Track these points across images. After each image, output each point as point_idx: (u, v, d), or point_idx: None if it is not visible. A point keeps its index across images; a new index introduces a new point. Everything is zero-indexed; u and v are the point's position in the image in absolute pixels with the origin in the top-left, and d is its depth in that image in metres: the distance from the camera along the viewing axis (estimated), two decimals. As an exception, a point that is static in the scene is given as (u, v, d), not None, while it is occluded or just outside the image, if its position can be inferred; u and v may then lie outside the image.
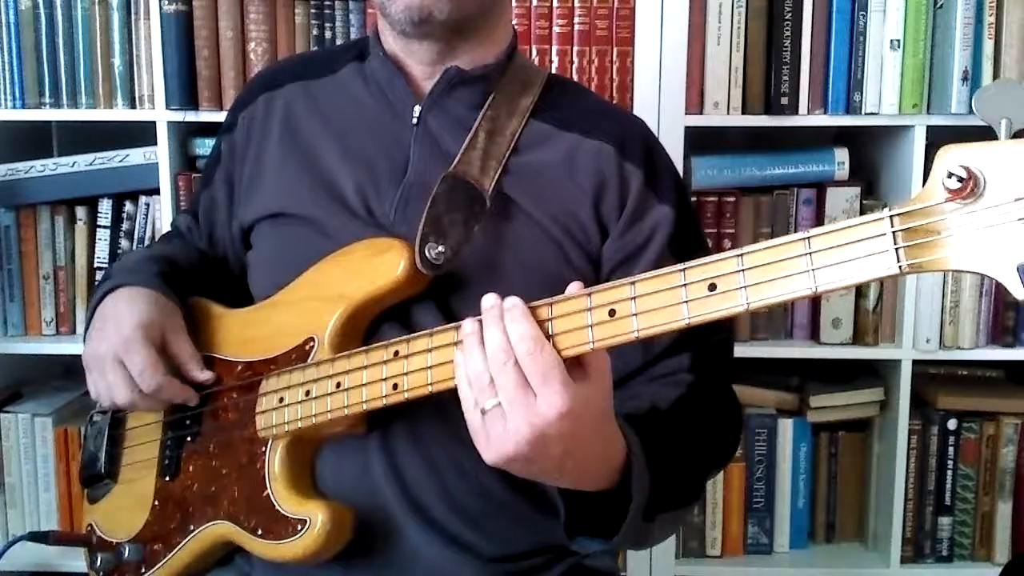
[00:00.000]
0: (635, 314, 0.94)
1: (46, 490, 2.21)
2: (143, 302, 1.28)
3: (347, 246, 1.24)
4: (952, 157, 0.79)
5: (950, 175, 0.77)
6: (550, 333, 0.98)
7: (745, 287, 0.89)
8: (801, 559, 2.20)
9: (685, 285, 0.92)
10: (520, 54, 1.37)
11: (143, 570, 1.33)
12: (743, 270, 0.89)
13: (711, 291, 0.91)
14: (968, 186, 0.77)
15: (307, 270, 1.27)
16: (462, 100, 1.30)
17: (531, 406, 0.95)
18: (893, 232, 0.81)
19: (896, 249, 0.81)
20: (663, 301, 0.93)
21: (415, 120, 1.30)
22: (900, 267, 0.81)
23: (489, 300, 1.01)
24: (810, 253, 0.85)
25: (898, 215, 0.81)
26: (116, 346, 1.25)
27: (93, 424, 1.42)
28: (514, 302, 1.00)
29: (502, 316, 0.99)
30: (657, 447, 1.10)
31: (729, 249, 1.97)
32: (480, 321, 1.01)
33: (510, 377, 0.96)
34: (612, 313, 0.96)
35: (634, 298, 0.95)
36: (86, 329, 1.33)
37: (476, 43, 1.30)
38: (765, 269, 0.88)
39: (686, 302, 0.92)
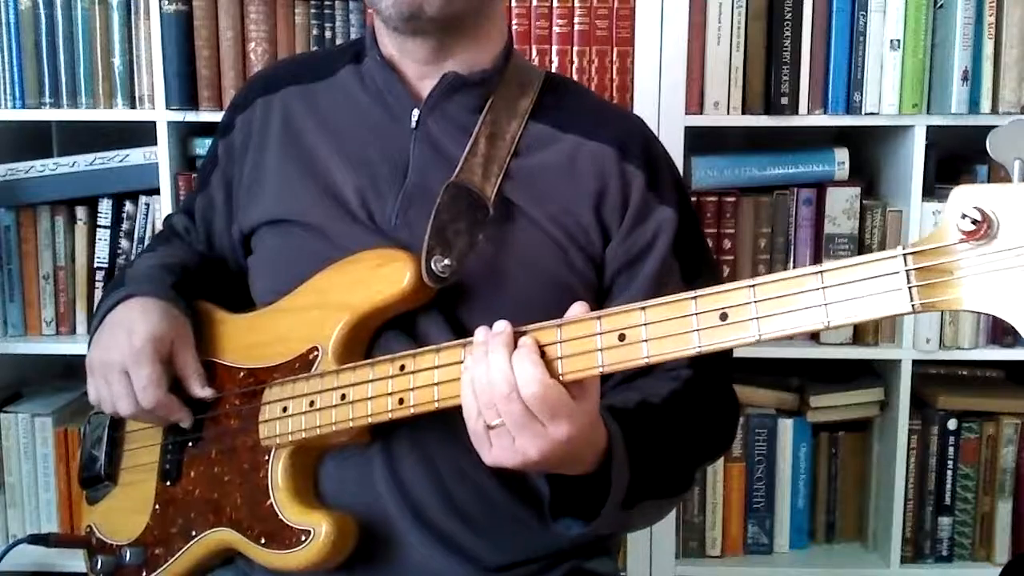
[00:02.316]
0: (646, 340, 0.95)
1: (46, 490, 2.21)
2: (156, 314, 1.28)
3: (352, 255, 1.24)
4: (966, 198, 0.79)
5: (964, 216, 0.78)
6: (558, 355, 0.99)
7: (757, 318, 0.89)
8: (801, 559, 2.21)
9: (697, 314, 0.92)
10: (517, 54, 1.36)
11: (144, 574, 1.34)
12: (755, 301, 0.89)
13: (722, 320, 0.91)
14: (982, 228, 0.77)
15: (310, 277, 1.27)
16: (462, 104, 1.29)
17: (539, 434, 0.98)
18: (907, 271, 0.82)
19: (909, 288, 0.81)
20: (674, 328, 0.93)
21: (414, 124, 1.29)
22: (913, 306, 0.81)
23: (500, 325, 1.02)
24: (823, 288, 0.85)
25: (912, 254, 0.81)
26: (125, 357, 1.26)
27: (92, 425, 1.42)
28: (524, 342, 1.00)
29: (506, 343, 1.00)
30: (640, 440, 1.11)
31: (729, 250, 2.04)
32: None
33: (517, 406, 0.97)
34: (622, 338, 0.96)
35: (645, 324, 0.95)
36: (93, 331, 1.33)
37: (470, 42, 1.29)
38: (778, 302, 0.88)
39: (697, 330, 0.92)
